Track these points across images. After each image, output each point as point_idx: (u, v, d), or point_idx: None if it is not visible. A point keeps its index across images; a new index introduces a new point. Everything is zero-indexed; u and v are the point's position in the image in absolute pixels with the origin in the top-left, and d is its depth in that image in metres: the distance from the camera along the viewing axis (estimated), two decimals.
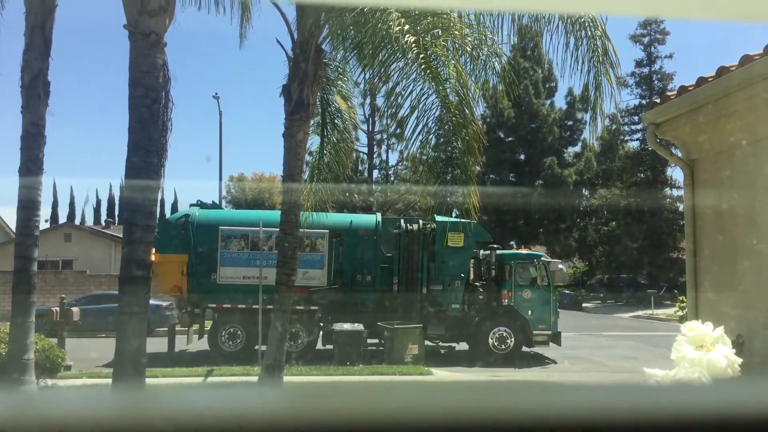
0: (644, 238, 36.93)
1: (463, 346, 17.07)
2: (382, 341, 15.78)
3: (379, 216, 17.24)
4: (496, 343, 16.44)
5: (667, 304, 33.54)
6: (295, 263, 11.25)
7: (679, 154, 8.04)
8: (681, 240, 33.17)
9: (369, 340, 15.85)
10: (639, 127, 39.27)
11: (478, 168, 12.21)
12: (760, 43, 6.22)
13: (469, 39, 10.10)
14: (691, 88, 7.10)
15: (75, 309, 15.73)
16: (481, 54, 10.26)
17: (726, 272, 7.02)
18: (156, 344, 16.03)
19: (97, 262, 32.96)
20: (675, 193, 39.23)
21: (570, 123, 42.64)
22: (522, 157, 42.67)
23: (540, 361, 16.52)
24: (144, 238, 8.48)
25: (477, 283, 17.58)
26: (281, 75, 11.08)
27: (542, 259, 17.59)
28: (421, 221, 17.06)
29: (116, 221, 44.82)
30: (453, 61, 9.76)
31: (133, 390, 8.43)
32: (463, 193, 10.27)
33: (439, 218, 16.15)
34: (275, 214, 14.25)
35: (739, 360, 1.54)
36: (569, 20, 8.90)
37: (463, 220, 18.16)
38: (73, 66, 74.05)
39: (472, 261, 17.70)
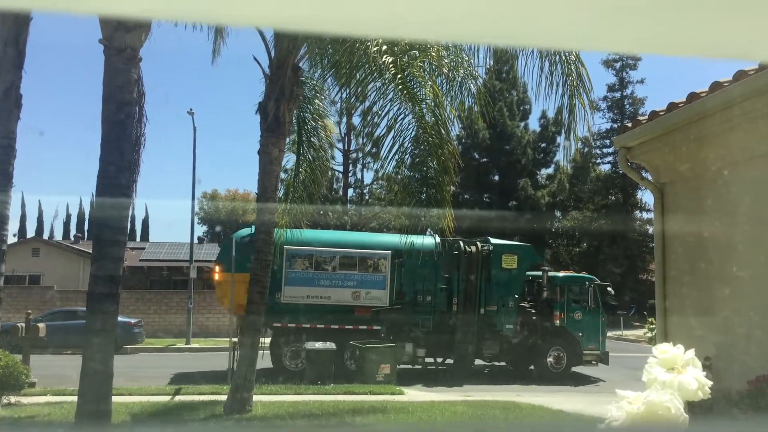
0: (614, 259, 37.34)
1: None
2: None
3: (437, 237, 17.19)
4: (553, 362, 17.08)
5: (637, 325, 33.85)
6: (267, 281, 11.19)
7: (650, 178, 8.17)
8: (650, 262, 33.58)
9: (427, 359, 16.70)
10: (610, 150, 39.88)
11: (452, 188, 12.28)
12: (729, 71, 6.38)
13: (446, 61, 10.23)
14: (662, 113, 7.24)
15: (41, 325, 15.40)
16: (457, 76, 10.39)
17: (694, 295, 7.12)
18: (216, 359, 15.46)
19: (65, 278, 32.40)
20: (645, 216, 39.82)
21: (543, 145, 43.11)
22: (496, 178, 43.01)
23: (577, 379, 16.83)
24: (113, 253, 8.36)
25: (526, 304, 17.94)
26: (258, 92, 11.09)
27: (594, 282, 18.17)
28: (479, 243, 17.44)
29: (86, 237, 44.10)
30: (430, 82, 9.86)
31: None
32: (437, 214, 10.32)
33: (494, 241, 17.24)
34: (340, 234, 14.28)
35: (710, 383, 1.56)
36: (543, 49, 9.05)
37: (517, 243, 19.64)
38: (46, 80, 73.20)
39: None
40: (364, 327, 16.27)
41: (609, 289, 18.66)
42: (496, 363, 17.82)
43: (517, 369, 17.40)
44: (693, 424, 1.34)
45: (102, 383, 8.38)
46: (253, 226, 16.18)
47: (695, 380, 1.56)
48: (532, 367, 17.42)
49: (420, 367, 16.89)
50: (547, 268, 18.81)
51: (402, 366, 16.49)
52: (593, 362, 17.25)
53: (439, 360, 17.10)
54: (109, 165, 8.25)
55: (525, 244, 19.37)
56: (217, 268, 16.27)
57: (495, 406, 11.68)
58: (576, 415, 10.75)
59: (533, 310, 17.79)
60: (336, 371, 14.86)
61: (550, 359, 17.10)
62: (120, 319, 12.14)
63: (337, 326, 16.07)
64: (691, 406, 1.57)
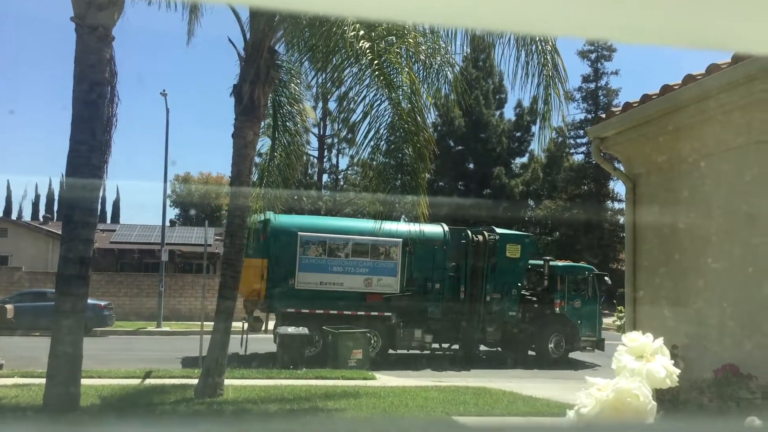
0: (586, 249, 37.77)
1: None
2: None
3: (446, 226, 17.84)
4: (553, 347, 17.89)
5: (606, 313, 34.30)
6: (241, 265, 11.13)
7: (623, 169, 8.25)
8: (621, 252, 34.06)
9: (434, 345, 17.31)
10: (584, 140, 40.21)
11: (427, 175, 12.30)
12: (702, 65, 6.45)
13: (423, 48, 10.19)
14: (635, 105, 7.30)
15: (9, 306, 15.20)
16: (434, 63, 10.36)
17: (664, 285, 7.23)
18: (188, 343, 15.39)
19: (34, 259, 31.90)
20: (617, 206, 40.30)
21: (518, 134, 43.32)
22: (471, 166, 43.14)
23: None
24: (83, 235, 8.25)
25: (527, 292, 18.57)
26: (233, 75, 10.95)
27: (593, 271, 18.95)
28: (486, 233, 17.86)
29: (55, 217, 43.43)
30: (406, 69, 9.83)
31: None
32: (412, 201, 10.33)
33: (499, 230, 17.88)
34: (353, 222, 15.71)
35: (678, 371, 1.58)
36: (521, 34, 9.06)
37: (520, 233, 20.83)
38: (16, 59, 71.62)
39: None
40: (376, 313, 16.64)
41: (606, 278, 19.32)
42: (499, 349, 18.39)
43: (519, 354, 17.92)
44: (661, 414, 1.36)
45: (71, 366, 8.30)
46: (268, 214, 16.35)
47: (663, 368, 1.58)
48: (532, 353, 18.13)
49: (428, 352, 17.41)
50: (548, 258, 19.52)
51: (411, 351, 17.22)
52: (589, 348, 18.05)
53: (445, 345, 17.67)
54: (80, 145, 8.11)
55: (527, 234, 20.62)
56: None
57: (466, 392, 11.77)
58: (546, 401, 10.89)
59: (534, 298, 18.46)
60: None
61: (551, 345, 17.87)
62: (90, 301, 12.01)
63: (349, 312, 16.43)
64: (659, 394, 1.59)
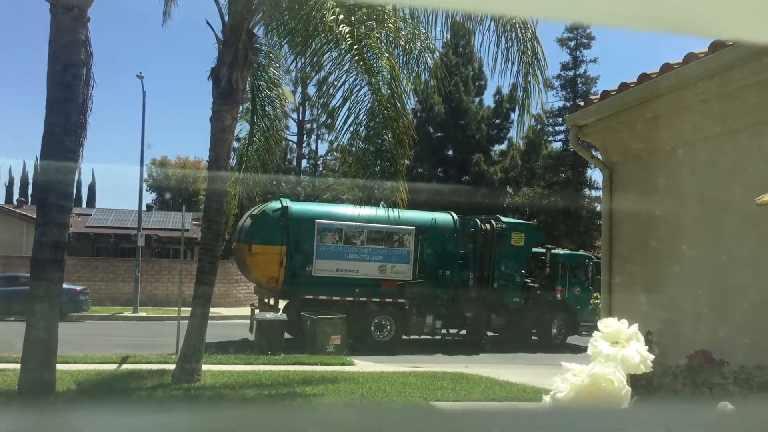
0: (564, 236, 38.10)
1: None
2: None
3: (455, 215, 18.38)
4: (556, 332, 18.69)
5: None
6: (218, 250, 11.07)
7: (600, 157, 8.32)
8: (597, 239, 34.41)
9: (443, 331, 17.89)
10: (562, 128, 40.43)
11: (407, 162, 12.30)
12: (680, 53, 6.50)
13: (403, 33, 10.15)
14: (613, 93, 7.34)
15: None
16: (414, 48, 10.32)
17: (639, 271, 7.32)
18: (166, 328, 15.57)
19: (8, 243, 31.41)
20: (594, 194, 40.64)
21: (498, 121, 43.40)
22: (450, 152, 43.19)
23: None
24: (58, 219, 8.15)
25: (529, 280, 19.12)
26: (211, 58, 10.82)
27: (592, 259, 19.67)
28: (493, 221, 18.40)
29: (29, 201, 42.79)
30: (386, 54, 9.78)
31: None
32: (391, 186, 10.32)
33: (504, 219, 18.75)
34: (367, 209, 14.94)
35: (652, 356, 1.60)
36: (501, 21, 9.06)
37: (523, 221, 21.77)
38: None
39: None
40: (390, 300, 17.04)
41: None
42: (502, 334, 18.94)
43: (522, 339, 18.42)
44: (635, 398, 1.37)
45: (46, 351, 8.22)
46: (281, 200, 17.13)
47: (638, 354, 1.60)
48: (535, 338, 18.80)
49: (439, 337, 17.99)
50: (550, 246, 20.30)
51: (423, 336, 17.76)
52: (585, 333, 18.55)
53: (453, 331, 18.14)
54: (54, 127, 7.99)
55: (530, 223, 21.59)
56: (250, 242, 16.62)
57: (444, 377, 11.86)
58: (522, 387, 11.01)
59: (537, 285, 19.07)
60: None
61: (553, 330, 18.64)
62: (65, 286, 11.88)
63: (365, 298, 16.87)
64: (634, 379, 1.61)
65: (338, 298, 16.52)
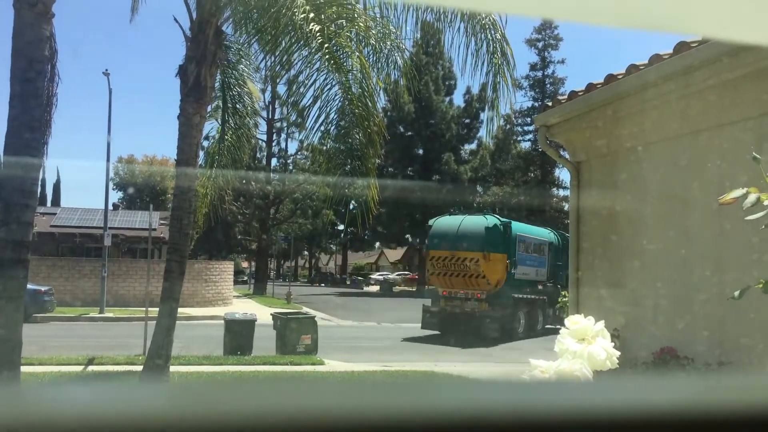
0: None
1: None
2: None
3: (555, 232, 23.72)
4: None
5: None
6: (186, 249, 10.94)
7: (567, 156, 8.42)
8: None
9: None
10: (531, 128, 40.86)
11: (377, 161, 12.32)
12: (646, 54, 6.62)
13: (373, 32, 10.14)
14: (580, 94, 7.45)
15: None
16: (384, 47, 10.32)
17: (606, 267, 7.44)
18: (132, 329, 15.13)
19: None
20: (562, 193, 41.17)
21: (467, 121, 43.68)
22: (420, 152, 43.34)
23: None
24: (22, 218, 7.98)
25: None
26: (179, 55, 10.71)
27: None
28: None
29: None
30: (357, 53, 9.76)
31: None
32: (362, 186, 10.32)
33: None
34: (537, 229, 23.02)
35: (618, 353, 1.64)
36: (471, 21, 9.11)
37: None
38: None
39: None
40: (534, 297, 21.67)
41: None
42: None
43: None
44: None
45: (9, 352, 8.05)
46: (491, 216, 21.50)
47: (604, 351, 1.63)
48: None
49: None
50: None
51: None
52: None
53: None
54: (18, 124, 7.82)
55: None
56: (484, 252, 20.16)
57: (413, 376, 11.91)
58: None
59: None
60: None
61: None
62: (29, 286, 11.67)
63: (532, 296, 21.69)
64: (600, 376, 1.64)
65: (521, 296, 20.80)
